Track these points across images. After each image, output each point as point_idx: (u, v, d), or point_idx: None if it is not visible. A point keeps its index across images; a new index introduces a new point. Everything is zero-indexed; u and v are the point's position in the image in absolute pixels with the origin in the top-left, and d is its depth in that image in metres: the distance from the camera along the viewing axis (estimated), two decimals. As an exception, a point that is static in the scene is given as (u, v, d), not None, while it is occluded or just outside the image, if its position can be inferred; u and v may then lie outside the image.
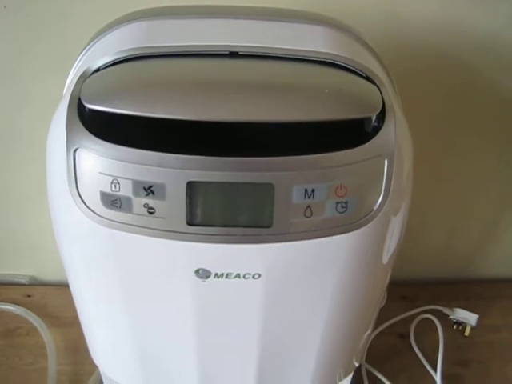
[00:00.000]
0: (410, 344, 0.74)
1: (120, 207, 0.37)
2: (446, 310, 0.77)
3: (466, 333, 0.76)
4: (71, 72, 0.44)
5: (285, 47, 0.40)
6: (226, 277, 0.39)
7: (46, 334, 0.72)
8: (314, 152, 0.36)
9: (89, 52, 0.44)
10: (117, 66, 0.38)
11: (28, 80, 0.66)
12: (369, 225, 0.38)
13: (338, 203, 0.37)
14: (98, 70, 0.39)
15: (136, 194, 0.36)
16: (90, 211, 0.37)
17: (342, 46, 0.42)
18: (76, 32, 0.60)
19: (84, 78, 0.38)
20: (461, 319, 0.76)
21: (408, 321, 0.76)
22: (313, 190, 0.36)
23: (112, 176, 0.36)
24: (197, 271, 0.39)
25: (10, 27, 0.62)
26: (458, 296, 0.80)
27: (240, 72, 0.38)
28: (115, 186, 0.36)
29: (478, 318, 0.76)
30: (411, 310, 0.77)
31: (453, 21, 0.64)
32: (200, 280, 0.39)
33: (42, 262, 0.82)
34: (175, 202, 0.36)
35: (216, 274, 0.39)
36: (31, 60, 0.65)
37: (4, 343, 0.73)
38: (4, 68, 0.65)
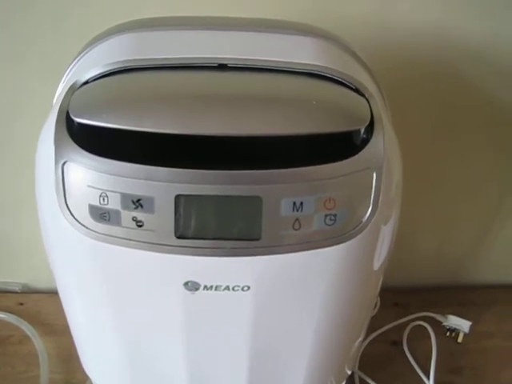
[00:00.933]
0: (403, 351, 0.74)
1: (109, 220, 0.37)
2: (438, 317, 0.77)
3: (459, 339, 0.76)
4: (61, 83, 0.44)
5: (273, 59, 0.40)
6: (216, 289, 0.39)
7: (39, 342, 0.72)
8: (302, 165, 0.36)
9: (78, 64, 0.44)
10: (105, 79, 0.38)
11: (23, 83, 0.66)
12: (358, 237, 0.38)
13: (326, 216, 0.37)
14: (86, 82, 0.39)
15: (125, 207, 0.36)
16: (78, 224, 0.37)
17: (331, 58, 0.42)
18: (71, 37, 0.60)
19: (73, 90, 0.38)
20: (454, 326, 0.76)
21: (401, 328, 0.76)
22: (301, 203, 0.36)
23: (100, 189, 0.36)
24: (186, 284, 0.39)
25: (5, 31, 0.62)
26: (451, 302, 0.80)
27: (228, 85, 0.38)
28: (104, 199, 0.36)
29: (471, 325, 0.76)
30: (404, 316, 0.77)
31: (447, 30, 0.64)
32: (189, 292, 0.39)
33: (34, 269, 0.81)
34: (164, 215, 0.36)
35: (205, 287, 0.39)
36: (26, 64, 0.64)
37: (-4, 351, 0.73)
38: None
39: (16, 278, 0.83)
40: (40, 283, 0.83)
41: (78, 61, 0.44)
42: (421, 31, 0.65)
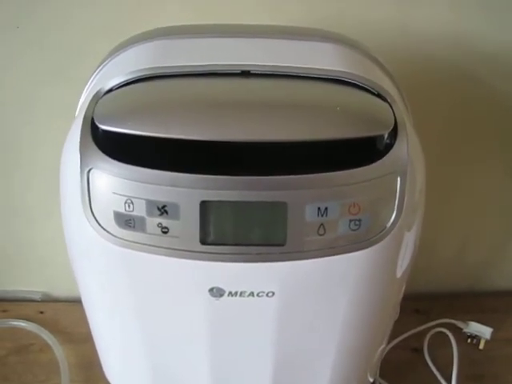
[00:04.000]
0: (424, 358, 0.73)
1: (134, 227, 0.37)
2: (459, 324, 0.76)
3: (481, 346, 0.75)
4: (84, 92, 0.45)
5: (296, 65, 0.40)
6: (240, 295, 0.39)
7: (59, 351, 0.72)
8: (326, 170, 0.36)
9: (101, 72, 0.44)
10: (129, 87, 0.39)
11: (27, 89, 0.66)
12: (382, 242, 0.38)
13: (351, 221, 0.37)
14: (110, 90, 0.39)
15: (150, 213, 0.36)
16: (103, 231, 0.37)
17: (354, 64, 0.42)
18: (79, 45, 0.61)
19: (97, 98, 0.39)
20: (475, 333, 0.75)
21: (422, 334, 0.75)
22: (326, 208, 0.36)
23: (126, 196, 0.36)
24: (211, 290, 0.39)
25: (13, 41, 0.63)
26: (472, 309, 0.79)
27: (252, 91, 0.39)
28: (129, 206, 0.36)
29: (493, 332, 0.75)
30: (425, 323, 0.76)
31: (462, 35, 0.65)
32: (214, 299, 0.40)
33: (54, 278, 0.82)
34: (189, 222, 0.36)
35: (230, 293, 0.39)
36: (33, 73, 0.65)
37: (17, 360, 0.73)
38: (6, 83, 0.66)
39: (36, 286, 0.83)
40: (60, 292, 0.83)
41: (102, 69, 0.44)
42: (436, 37, 0.65)
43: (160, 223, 0.36)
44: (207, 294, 0.39)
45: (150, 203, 0.36)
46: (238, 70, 0.40)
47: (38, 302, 0.82)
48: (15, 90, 0.66)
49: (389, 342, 0.72)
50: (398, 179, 0.37)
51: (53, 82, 0.64)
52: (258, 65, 0.40)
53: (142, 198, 0.36)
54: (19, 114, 0.68)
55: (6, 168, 0.73)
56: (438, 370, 0.71)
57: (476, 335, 0.75)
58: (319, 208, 0.36)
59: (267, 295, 0.39)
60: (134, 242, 0.37)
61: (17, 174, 0.73)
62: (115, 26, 0.59)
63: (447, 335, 0.75)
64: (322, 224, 0.37)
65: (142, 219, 0.36)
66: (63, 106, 0.49)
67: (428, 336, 0.75)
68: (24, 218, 0.77)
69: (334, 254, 0.38)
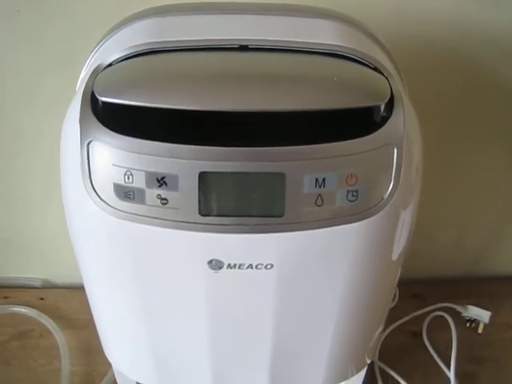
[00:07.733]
0: (423, 342, 0.74)
1: (133, 198, 0.37)
2: (458, 308, 0.77)
3: (479, 330, 0.76)
4: (83, 69, 0.45)
5: (293, 40, 0.40)
6: (239, 267, 0.39)
7: (60, 336, 0.73)
8: (324, 141, 0.36)
9: (101, 49, 0.44)
10: (129, 61, 0.39)
11: (31, 81, 0.67)
12: (379, 214, 0.38)
13: (348, 192, 0.37)
14: (110, 65, 0.39)
15: (149, 185, 0.36)
16: (103, 203, 0.38)
17: (351, 39, 0.42)
18: (80, 32, 0.61)
19: (97, 72, 0.39)
20: (474, 316, 0.76)
21: (420, 319, 0.76)
22: (323, 179, 0.36)
23: (125, 168, 0.36)
24: (210, 262, 0.39)
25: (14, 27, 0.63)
26: (471, 293, 0.80)
27: (250, 64, 0.39)
28: (128, 178, 0.36)
29: (491, 316, 0.75)
30: (423, 307, 0.77)
31: (461, 16, 0.65)
32: (213, 271, 0.40)
33: (54, 265, 0.83)
34: (188, 193, 0.36)
35: (229, 265, 0.39)
36: (34, 61, 0.65)
37: (17, 345, 0.74)
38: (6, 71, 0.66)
39: (36, 273, 0.84)
40: (60, 278, 0.84)
41: (101, 46, 0.44)
42: (436, 18, 0.65)
43: (159, 195, 0.37)
44: (206, 266, 0.39)
45: (149, 175, 0.36)
46: (236, 44, 0.40)
47: (38, 288, 0.83)
48: (15, 78, 0.67)
49: (388, 326, 0.73)
50: (395, 150, 0.37)
51: (53, 69, 0.65)
52: (256, 39, 0.40)
53: (141, 170, 0.36)
54: (19, 102, 0.68)
55: (6, 155, 0.73)
56: (437, 353, 0.72)
57: (475, 319, 0.76)
58: (317, 179, 0.36)
59: (266, 267, 0.40)
60: (134, 214, 0.37)
61: (17, 161, 0.74)
62: (117, 14, 0.59)
63: (446, 319, 0.75)
64: (319, 195, 0.37)
65: (142, 191, 0.37)
66: (64, 93, 0.49)
67: (427, 320, 0.76)
68: (24, 205, 0.78)
69: (331, 225, 0.38)
